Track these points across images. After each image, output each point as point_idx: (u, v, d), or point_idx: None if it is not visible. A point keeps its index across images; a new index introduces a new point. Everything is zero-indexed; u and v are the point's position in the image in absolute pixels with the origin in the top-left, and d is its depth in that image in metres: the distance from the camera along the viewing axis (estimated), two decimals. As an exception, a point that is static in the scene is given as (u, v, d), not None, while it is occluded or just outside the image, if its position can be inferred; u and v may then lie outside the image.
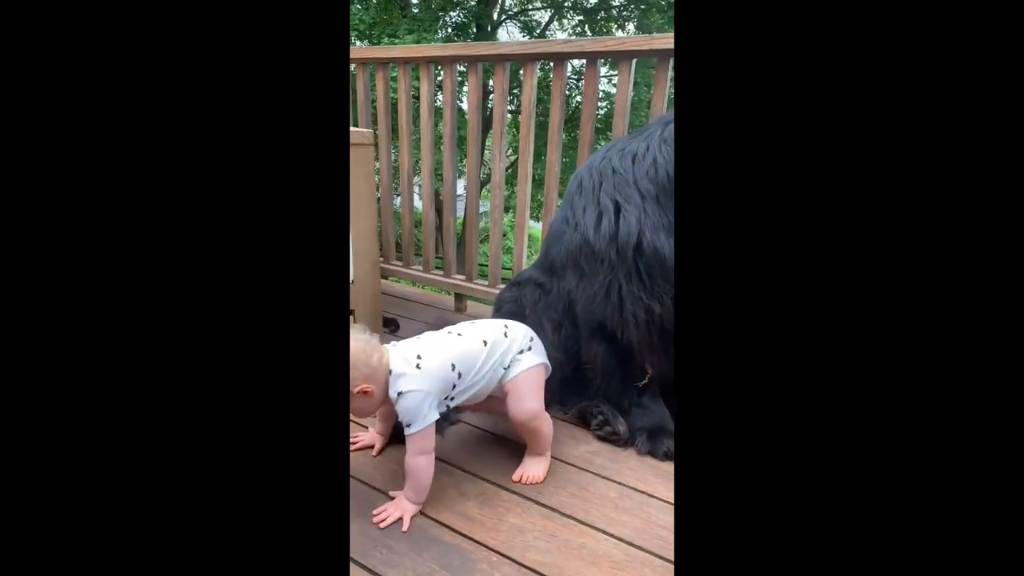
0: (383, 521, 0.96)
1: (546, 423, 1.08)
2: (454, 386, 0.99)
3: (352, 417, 1.04)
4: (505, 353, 1.04)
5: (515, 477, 1.07)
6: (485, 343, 1.02)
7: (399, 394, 0.94)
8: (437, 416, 0.97)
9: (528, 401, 1.04)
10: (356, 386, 0.93)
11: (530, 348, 1.07)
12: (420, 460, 0.96)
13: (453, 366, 0.99)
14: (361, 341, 0.95)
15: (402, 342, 1.03)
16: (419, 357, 0.97)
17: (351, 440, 1.17)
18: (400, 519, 0.96)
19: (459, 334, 1.04)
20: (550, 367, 1.11)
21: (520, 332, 1.08)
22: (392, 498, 1.00)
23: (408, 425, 0.95)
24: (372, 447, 1.15)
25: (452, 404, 1.01)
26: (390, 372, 0.96)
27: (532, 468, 1.08)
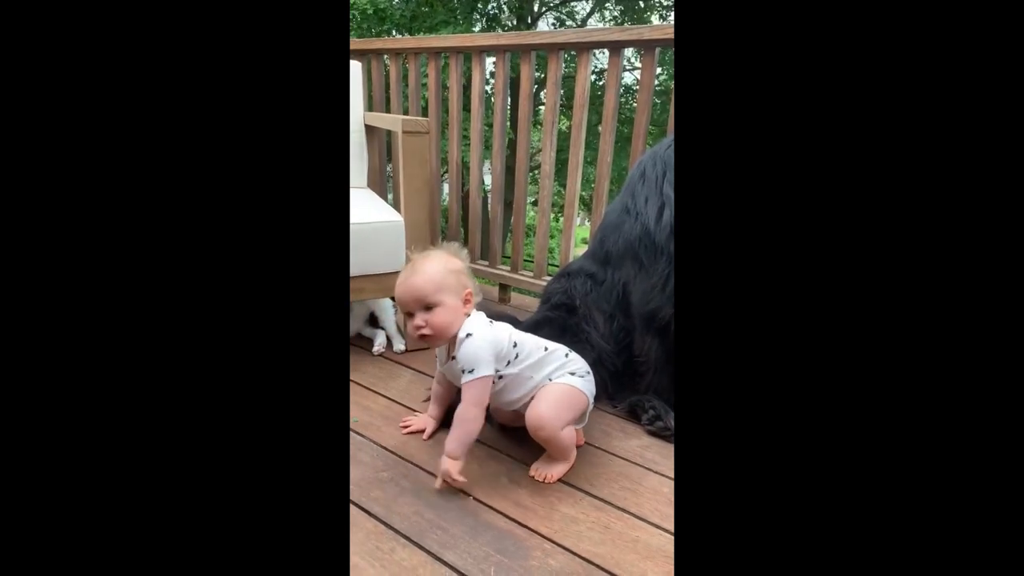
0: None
1: (559, 439, 1.00)
2: (508, 362, 1.00)
3: (430, 343, 1.00)
4: (558, 368, 1.05)
5: (531, 470, 1.05)
6: (546, 349, 1.06)
7: (468, 335, 0.97)
8: (493, 372, 0.97)
9: (544, 406, 0.99)
10: (466, 289, 0.99)
11: (582, 376, 1.07)
12: (475, 411, 0.95)
13: (515, 343, 1.02)
14: (465, 265, 1.02)
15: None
16: (491, 321, 1.04)
17: (402, 424, 1.18)
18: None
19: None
20: (592, 404, 1.08)
21: (580, 360, 1.10)
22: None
23: (471, 371, 0.95)
24: (423, 431, 1.16)
25: (498, 375, 1.00)
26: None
27: (546, 468, 1.04)
